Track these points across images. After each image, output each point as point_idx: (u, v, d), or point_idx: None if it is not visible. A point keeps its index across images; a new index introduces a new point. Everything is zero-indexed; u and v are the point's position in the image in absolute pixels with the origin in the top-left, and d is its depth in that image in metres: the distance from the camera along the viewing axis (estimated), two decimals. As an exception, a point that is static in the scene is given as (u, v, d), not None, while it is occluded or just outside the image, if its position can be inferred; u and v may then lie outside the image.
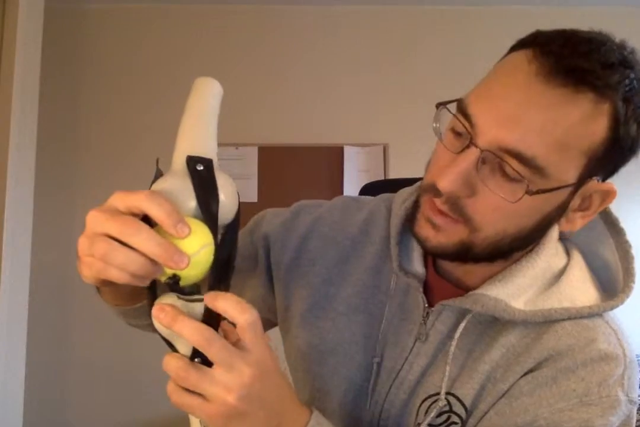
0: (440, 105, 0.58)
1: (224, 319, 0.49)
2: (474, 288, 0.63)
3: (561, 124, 0.52)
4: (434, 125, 0.59)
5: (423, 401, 0.64)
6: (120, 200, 0.46)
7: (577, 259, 0.65)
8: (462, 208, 0.56)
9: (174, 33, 2.82)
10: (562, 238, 0.67)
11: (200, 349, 0.47)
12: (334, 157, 2.78)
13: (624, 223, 0.66)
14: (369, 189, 1.19)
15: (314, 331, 0.71)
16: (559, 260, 0.65)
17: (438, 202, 0.57)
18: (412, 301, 0.68)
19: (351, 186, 2.75)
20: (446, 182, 0.54)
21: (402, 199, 0.71)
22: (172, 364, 0.48)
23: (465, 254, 0.59)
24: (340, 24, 2.85)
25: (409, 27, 2.83)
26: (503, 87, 0.54)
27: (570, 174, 0.54)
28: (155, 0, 2.79)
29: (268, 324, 0.80)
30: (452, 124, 0.58)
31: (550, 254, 0.63)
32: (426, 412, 0.63)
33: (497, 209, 0.55)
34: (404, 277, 0.68)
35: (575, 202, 0.58)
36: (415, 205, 0.62)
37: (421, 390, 0.65)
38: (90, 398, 2.65)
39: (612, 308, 0.62)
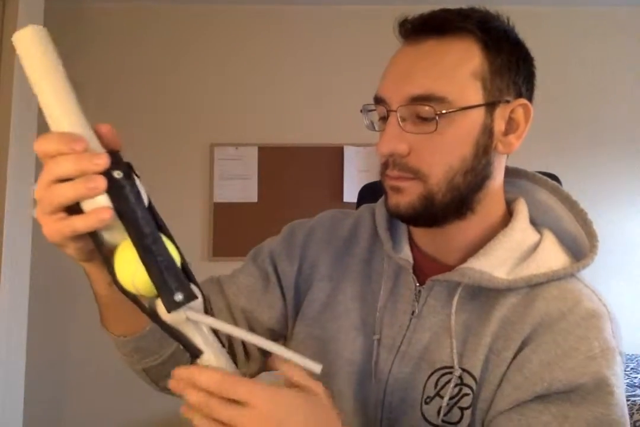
0: (364, 107, 0.74)
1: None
2: (455, 267, 0.69)
3: (438, 62, 0.65)
4: (365, 123, 0.74)
5: (430, 375, 0.68)
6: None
7: (549, 235, 0.72)
8: (407, 164, 0.66)
9: (174, 32, 2.82)
10: (532, 222, 0.74)
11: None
12: (334, 157, 2.78)
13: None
14: (369, 189, 1.19)
15: (315, 325, 0.77)
16: (533, 236, 0.72)
17: (389, 171, 0.67)
18: (403, 282, 0.74)
19: (351, 186, 2.75)
20: (383, 146, 0.66)
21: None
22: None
23: (432, 206, 0.66)
24: (340, 24, 2.85)
25: (409, 27, 2.83)
26: (391, 64, 0.70)
27: (473, 97, 0.65)
28: (155, 0, 2.79)
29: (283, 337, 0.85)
30: (378, 114, 0.71)
31: (523, 228, 0.71)
32: (435, 385, 0.67)
33: (432, 151, 0.65)
34: (396, 259, 0.74)
35: (500, 126, 0.67)
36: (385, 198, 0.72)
37: (425, 365, 0.69)
38: (90, 398, 2.65)
39: (584, 266, 0.69)
